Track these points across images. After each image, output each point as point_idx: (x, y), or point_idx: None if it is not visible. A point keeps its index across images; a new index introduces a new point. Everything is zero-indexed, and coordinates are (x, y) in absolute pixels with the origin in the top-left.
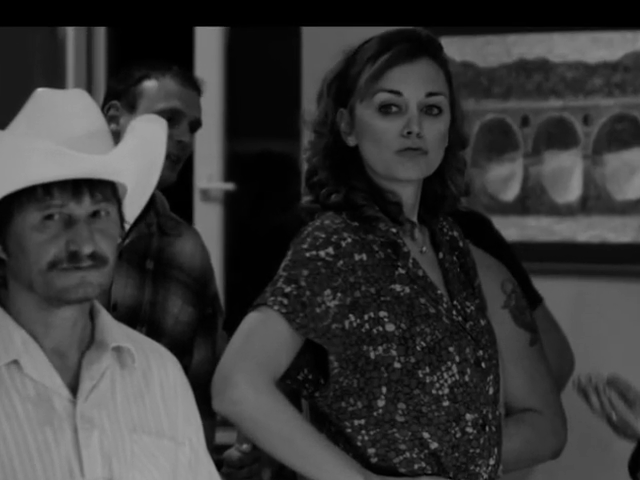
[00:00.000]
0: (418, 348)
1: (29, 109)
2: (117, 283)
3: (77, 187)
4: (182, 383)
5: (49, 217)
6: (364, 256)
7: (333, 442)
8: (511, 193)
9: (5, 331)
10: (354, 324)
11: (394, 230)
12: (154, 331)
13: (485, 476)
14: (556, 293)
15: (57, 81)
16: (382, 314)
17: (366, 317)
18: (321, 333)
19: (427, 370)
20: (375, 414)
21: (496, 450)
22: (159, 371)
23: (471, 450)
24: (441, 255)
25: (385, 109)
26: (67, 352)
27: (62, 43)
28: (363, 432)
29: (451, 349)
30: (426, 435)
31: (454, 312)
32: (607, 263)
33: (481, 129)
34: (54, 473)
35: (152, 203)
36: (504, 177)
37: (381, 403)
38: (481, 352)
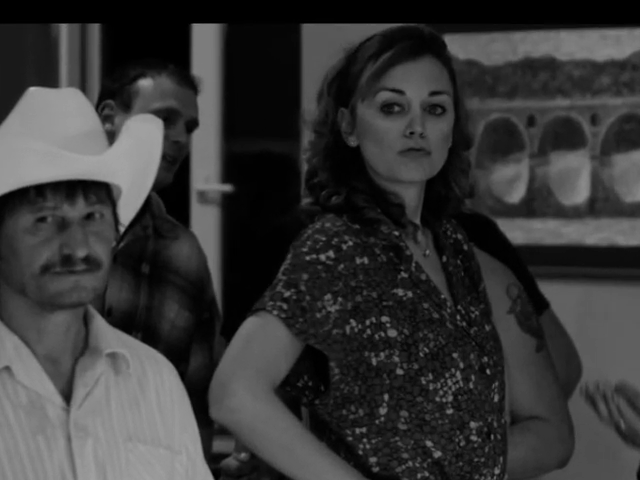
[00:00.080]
0: (421, 354)
1: (21, 108)
2: (112, 287)
3: (71, 189)
4: (178, 390)
5: (42, 219)
6: (365, 260)
7: (334, 451)
8: (517, 195)
9: None
10: (355, 329)
11: (396, 233)
12: (150, 337)
13: None
14: (563, 298)
15: (50, 80)
16: (384, 319)
17: (368, 322)
18: (321, 339)
19: (430, 377)
20: (377, 422)
21: (501, 459)
22: (155, 378)
23: (476, 459)
24: (445, 258)
25: (387, 108)
26: (60, 358)
27: (55, 41)
28: (364, 440)
29: (455, 355)
30: (429, 444)
31: (458, 317)
32: (616, 267)
33: (486, 129)
34: None
35: (148, 205)
36: (509, 178)
37: (383, 411)
38: (486, 358)
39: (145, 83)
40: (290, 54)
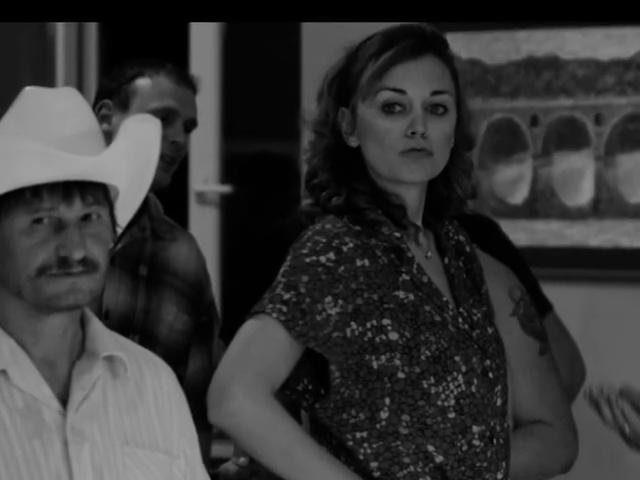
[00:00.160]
0: (423, 357)
1: (17, 108)
2: (109, 290)
3: (67, 189)
4: (177, 394)
5: (38, 221)
6: (366, 261)
7: (334, 455)
8: (520, 196)
9: None
10: (356, 332)
11: (398, 234)
12: (147, 340)
13: None
14: (567, 300)
15: (46, 79)
16: (385, 322)
17: (368, 325)
18: (322, 342)
19: (432, 380)
20: (378, 426)
21: (504, 464)
22: (153, 381)
23: (478, 464)
24: (447, 260)
25: (388, 108)
26: (57, 362)
27: (52, 40)
28: (365, 445)
29: (457, 358)
30: (431, 448)
31: (460, 320)
32: (620, 269)
33: (488, 129)
34: None
35: (145, 206)
36: (512, 179)
37: (384, 415)
38: (488, 362)
39: (143, 82)
40: (290, 53)
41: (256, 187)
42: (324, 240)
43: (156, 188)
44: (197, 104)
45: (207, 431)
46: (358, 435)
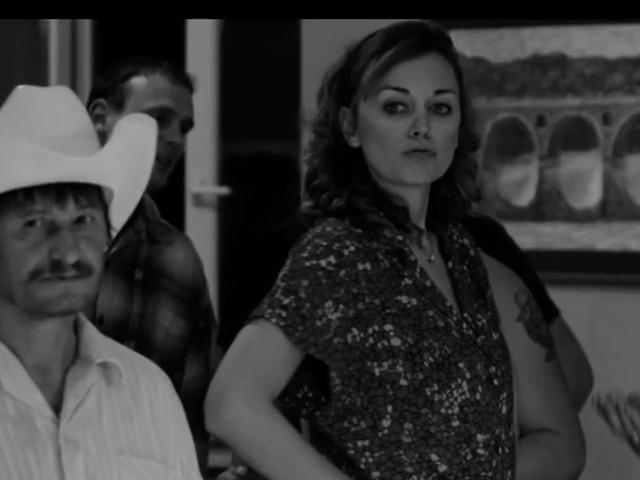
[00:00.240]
0: (426, 364)
1: (9, 108)
2: (103, 294)
3: (60, 191)
4: (173, 401)
5: (31, 224)
6: (368, 265)
7: (335, 465)
8: (525, 198)
9: None
10: (357, 338)
11: (400, 237)
12: (143, 346)
13: None
14: (574, 305)
15: (39, 78)
16: (387, 327)
17: (370, 331)
18: (322, 348)
19: (435, 388)
20: (380, 435)
21: (509, 473)
22: (148, 388)
23: (483, 473)
24: (450, 264)
25: (390, 108)
26: (50, 368)
27: (44, 37)
28: (367, 454)
29: (461, 365)
30: (434, 457)
31: (464, 325)
32: (628, 273)
33: (493, 129)
34: None
35: (141, 208)
36: (518, 181)
37: (386, 423)
38: (493, 368)
39: (138, 81)
40: (289, 51)
41: (254, 189)
42: (324, 243)
43: (152, 190)
44: (194, 103)
45: (204, 440)
46: (359, 444)
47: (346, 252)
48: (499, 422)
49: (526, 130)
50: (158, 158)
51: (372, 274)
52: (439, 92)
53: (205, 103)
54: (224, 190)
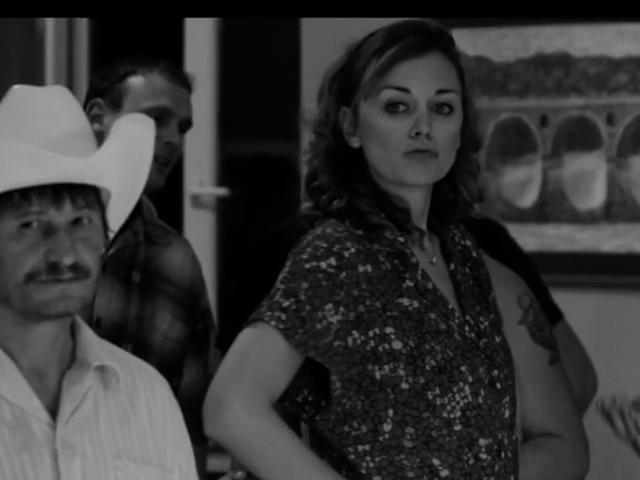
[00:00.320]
0: (427, 367)
1: (5, 107)
2: (101, 297)
3: (57, 192)
4: (171, 405)
5: (27, 225)
6: (369, 267)
7: (335, 469)
8: (529, 199)
9: None
10: (358, 341)
11: (401, 239)
12: (141, 349)
13: None
14: (578, 307)
15: (35, 77)
16: (388, 330)
17: (371, 334)
18: (322, 351)
19: (437, 391)
20: (381, 439)
21: (512, 478)
22: (146, 392)
23: (485, 478)
24: (452, 266)
25: (392, 108)
26: (46, 372)
27: (41, 36)
28: (368, 458)
29: (463, 368)
30: (436, 462)
31: (467, 328)
32: (633, 275)
33: (496, 129)
34: None
35: (138, 210)
36: (521, 181)
37: (387, 427)
38: (496, 372)
39: (135, 81)
40: (289, 50)
41: (254, 190)
42: (325, 245)
43: (150, 191)
44: (192, 103)
45: (203, 444)
46: (360, 448)
47: (347, 254)
48: (502, 426)
49: (529, 130)
50: (156, 159)
51: (373, 276)
52: (441, 92)
53: (204, 103)
54: (223, 191)
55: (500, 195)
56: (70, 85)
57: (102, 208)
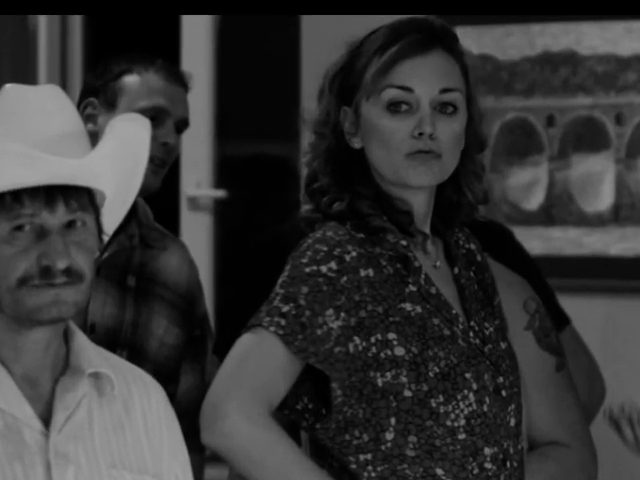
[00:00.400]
0: (431, 374)
1: None
2: (95, 302)
3: (50, 194)
4: (167, 413)
5: (19, 228)
6: (370, 271)
7: (336, 479)
8: (535, 201)
9: None
10: (359, 347)
11: (404, 242)
12: (136, 355)
13: None
14: (585, 313)
15: (28, 76)
16: (391, 336)
17: (373, 340)
18: (322, 357)
19: (441, 399)
20: (383, 448)
21: None
22: (142, 400)
23: None
24: (456, 270)
25: (394, 107)
26: (39, 379)
27: (33, 33)
28: (369, 468)
29: (468, 375)
30: (440, 471)
31: (471, 334)
32: None
33: (501, 129)
34: None
35: (134, 212)
36: (527, 183)
37: (390, 436)
38: (501, 379)
39: (131, 80)
40: (288, 48)
41: (252, 192)
42: (325, 249)
43: (145, 193)
44: (189, 103)
45: (200, 453)
46: (362, 457)
47: (348, 258)
48: (507, 435)
49: (535, 130)
50: (152, 160)
51: (375, 280)
52: (444, 91)
53: (201, 102)
54: (220, 193)
55: (505, 197)
56: (63, 84)
57: (96, 210)
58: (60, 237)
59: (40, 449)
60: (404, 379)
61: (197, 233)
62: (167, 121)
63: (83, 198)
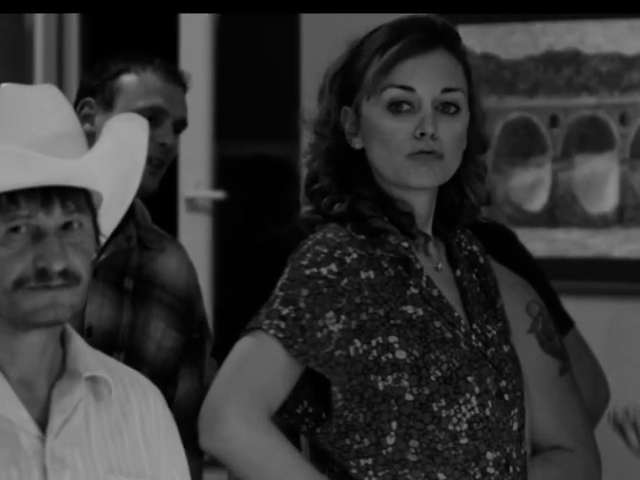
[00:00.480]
0: (433, 378)
1: None
2: (92, 304)
3: (46, 195)
4: (165, 417)
5: (15, 229)
6: (371, 274)
7: None
8: (538, 202)
9: None
10: (360, 351)
11: (405, 244)
12: (134, 358)
13: None
14: (589, 315)
15: (24, 75)
16: (392, 339)
17: (374, 343)
18: (323, 361)
19: (443, 403)
20: (384, 452)
21: None
22: (139, 404)
23: None
24: (459, 272)
25: (395, 107)
26: (35, 382)
27: (29, 33)
28: (370, 473)
29: (470, 379)
30: (442, 476)
31: (473, 337)
32: None
33: (504, 130)
34: None
35: (131, 214)
36: (530, 184)
37: (391, 440)
38: (504, 382)
39: (128, 79)
40: (288, 47)
41: (251, 193)
42: (325, 250)
43: (143, 194)
44: (187, 102)
45: (198, 458)
46: (362, 462)
47: (348, 260)
48: (510, 439)
49: (539, 131)
50: (149, 160)
51: (376, 283)
52: (446, 90)
53: (199, 102)
54: (219, 194)
55: (508, 198)
56: (60, 83)
57: (93, 212)
58: (56, 239)
59: (36, 454)
60: (405, 383)
61: (196, 235)
62: (165, 121)
63: (80, 199)
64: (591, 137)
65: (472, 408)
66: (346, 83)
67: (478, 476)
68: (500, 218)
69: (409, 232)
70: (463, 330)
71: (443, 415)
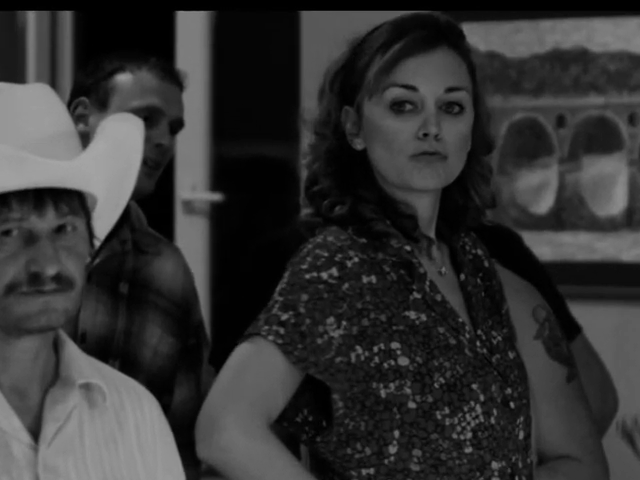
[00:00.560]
0: (436, 385)
1: None
2: (86, 309)
3: (39, 198)
4: (161, 426)
5: (7, 233)
6: (373, 278)
7: None
8: (544, 205)
9: None
10: (362, 357)
11: (408, 248)
12: (129, 365)
13: None
14: (597, 321)
15: (16, 75)
16: (394, 346)
17: (376, 349)
18: (323, 368)
19: (447, 411)
20: (386, 462)
21: None
22: (134, 412)
23: None
24: (463, 277)
25: (398, 107)
26: (27, 390)
27: (22, 30)
28: None
29: (474, 386)
30: None
31: (478, 343)
32: None
33: (509, 130)
34: None
35: (126, 216)
36: (536, 186)
37: (393, 449)
38: (509, 390)
39: (123, 78)
40: (288, 45)
41: (250, 195)
42: (326, 254)
43: (138, 196)
44: (184, 102)
45: (195, 467)
46: (364, 472)
47: (349, 264)
48: (516, 448)
49: (545, 131)
50: (145, 162)
51: (377, 287)
52: (450, 90)
53: (196, 102)
54: (217, 196)
55: (514, 201)
56: (53, 83)
57: (87, 214)
58: (49, 242)
59: (29, 463)
60: (408, 390)
61: (192, 238)
62: (161, 121)
63: (73, 201)
64: (599, 138)
65: (477, 416)
66: (347, 82)
67: None
68: (505, 221)
69: (412, 235)
70: (467, 336)
71: (447, 423)
